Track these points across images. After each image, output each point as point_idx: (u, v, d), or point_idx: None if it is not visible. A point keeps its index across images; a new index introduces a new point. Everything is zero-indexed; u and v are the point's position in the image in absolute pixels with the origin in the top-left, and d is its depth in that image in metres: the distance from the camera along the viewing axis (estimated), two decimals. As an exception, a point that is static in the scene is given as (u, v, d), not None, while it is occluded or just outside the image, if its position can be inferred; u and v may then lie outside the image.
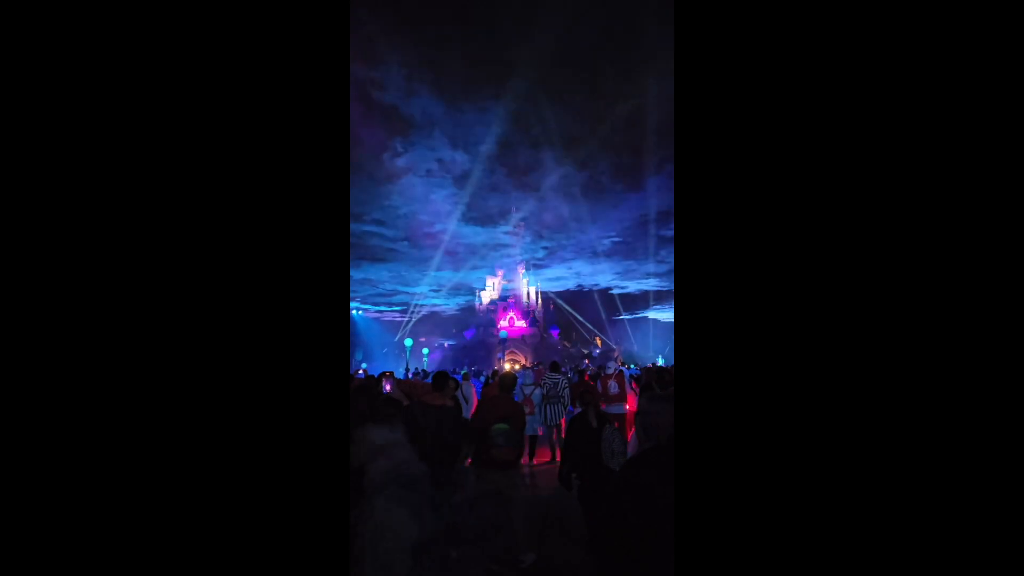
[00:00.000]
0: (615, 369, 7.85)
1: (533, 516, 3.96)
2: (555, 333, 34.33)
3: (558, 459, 7.27)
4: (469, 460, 5.47)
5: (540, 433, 7.71)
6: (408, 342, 28.24)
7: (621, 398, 7.27)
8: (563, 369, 9.95)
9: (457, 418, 4.07)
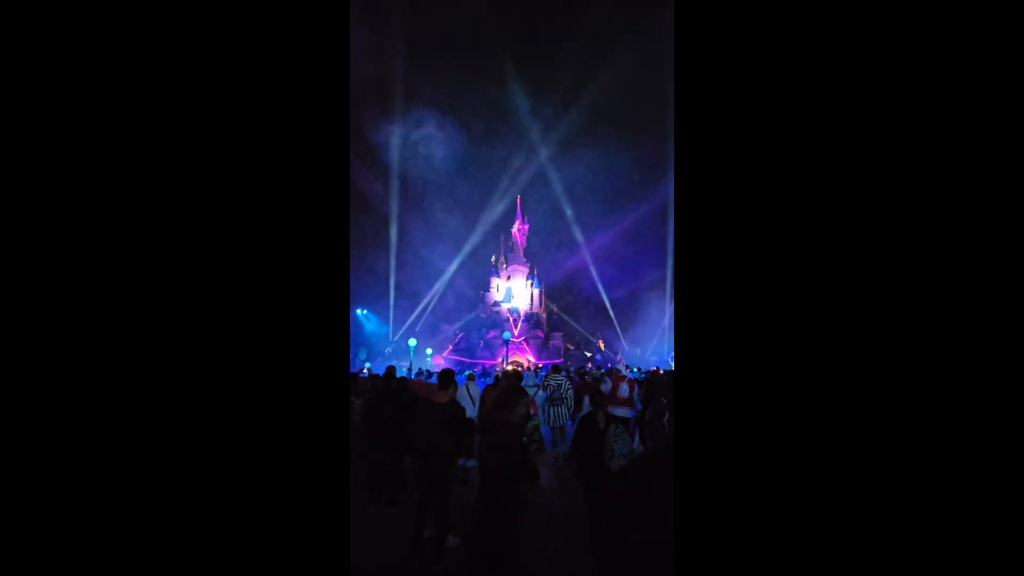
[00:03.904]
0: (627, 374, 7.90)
1: (534, 516, 3.98)
2: (559, 335, 34.33)
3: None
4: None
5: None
6: (412, 342, 28.27)
7: (630, 402, 7.28)
8: (563, 372, 9.97)
9: (457, 414, 4.11)
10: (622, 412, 6.98)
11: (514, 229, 37.64)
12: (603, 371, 14.13)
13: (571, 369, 16.85)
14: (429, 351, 30.70)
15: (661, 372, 12.13)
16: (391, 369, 6.63)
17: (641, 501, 2.18)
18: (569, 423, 7.64)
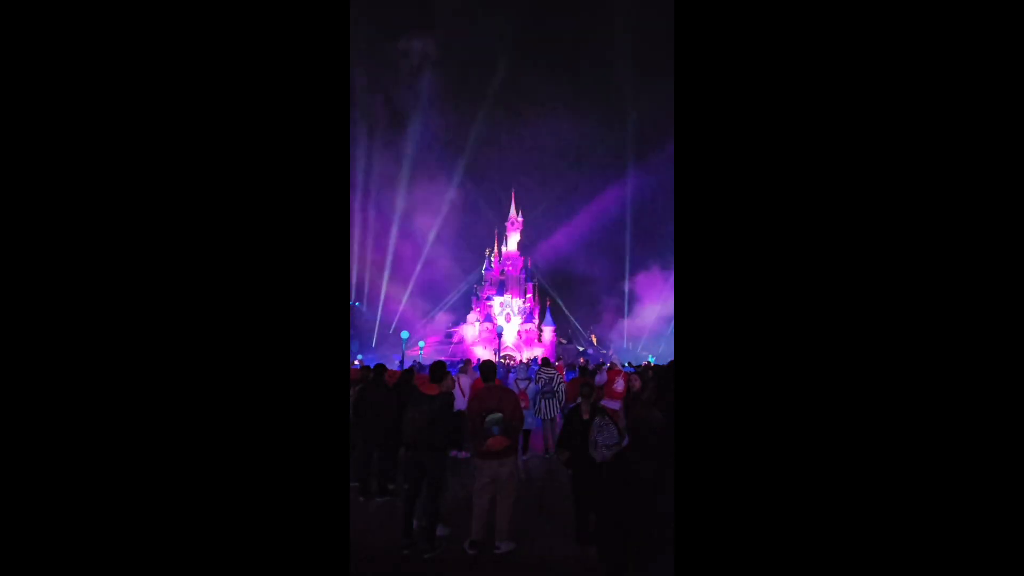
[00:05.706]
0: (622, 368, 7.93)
1: (518, 506, 4.03)
2: (551, 329, 34.42)
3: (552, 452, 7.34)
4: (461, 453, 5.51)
5: (534, 427, 7.76)
6: (404, 334, 28.24)
7: (622, 396, 7.32)
8: (555, 365, 10.03)
9: (450, 406, 4.14)
10: (613, 404, 7.03)
11: (508, 223, 37.57)
12: (594, 366, 14.21)
13: (563, 362, 16.94)
14: (422, 343, 30.66)
15: (648, 365, 12.23)
16: (381, 366, 6.65)
17: (626, 490, 2.21)
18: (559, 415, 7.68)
